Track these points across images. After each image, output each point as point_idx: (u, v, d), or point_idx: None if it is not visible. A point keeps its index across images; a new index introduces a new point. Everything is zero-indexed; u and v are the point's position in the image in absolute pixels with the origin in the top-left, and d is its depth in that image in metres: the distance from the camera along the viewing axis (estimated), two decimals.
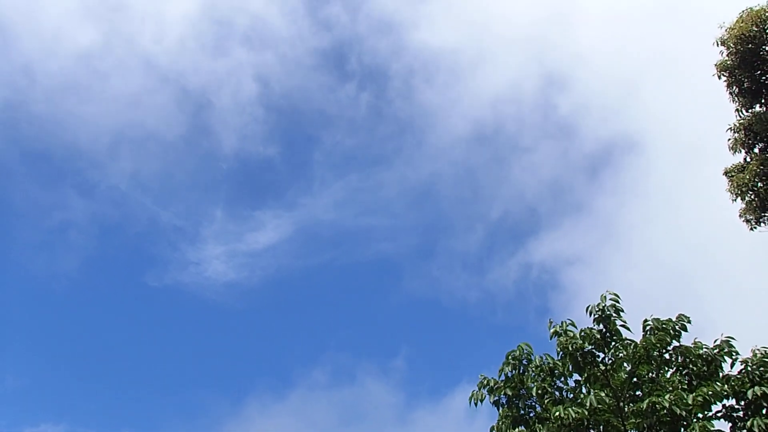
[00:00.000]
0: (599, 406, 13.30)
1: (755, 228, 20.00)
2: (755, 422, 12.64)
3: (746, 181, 19.85)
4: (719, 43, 20.89)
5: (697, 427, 12.60)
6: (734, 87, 20.71)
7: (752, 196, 19.75)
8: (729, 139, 20.72)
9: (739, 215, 20.14)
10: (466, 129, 55.58)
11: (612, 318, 13.83)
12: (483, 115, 54.48)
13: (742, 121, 20.50)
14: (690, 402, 12.60)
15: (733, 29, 20.51)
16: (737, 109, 20.67)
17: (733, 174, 20.30)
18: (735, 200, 20.08)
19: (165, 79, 57.65)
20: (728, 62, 20.63)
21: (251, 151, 56.98)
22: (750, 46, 20.20)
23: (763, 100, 20.58)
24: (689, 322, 14.04)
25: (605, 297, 13.92)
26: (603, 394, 13.55)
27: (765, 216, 19.79)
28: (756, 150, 20.26)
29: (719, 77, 20.99)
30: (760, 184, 19.62)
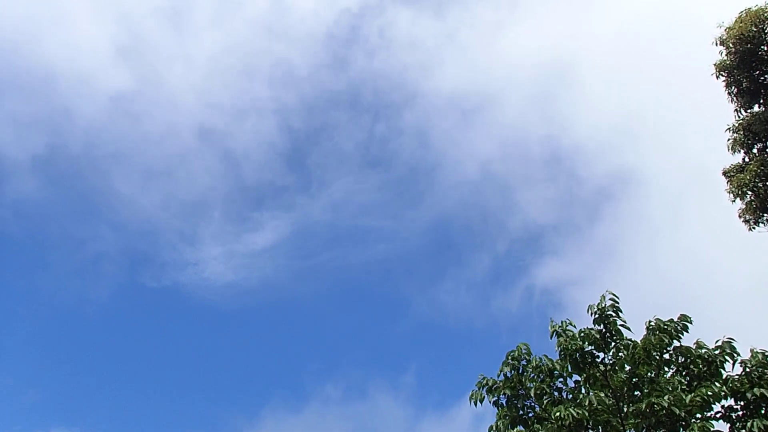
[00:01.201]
0: (599, 406, 13.27)
1: (754, 228, 19.99)
2: (755, 423, 12.63)
3: (746, 181, 19.82)
4: (718, 42, 20.87)
5: (696, 428, 12.59)
6: (733, 87, 20.70)
7: (751, 197, 19.73)
8: (728, 139, 20.70)
9: (739, 215, 20.12)
10: (475, 165, 60.25)
11: (612, 318, 13.77)
12: (491, 152, 59.40)
13: (741, 121, 20.48)
14: (688, 402, 12.58)
15: (732, 29, 20.50)
16: (736, 110, 20.66)
17: (732, 174, 20.28)
18: (734, 201, 20.07)
19: (191, 116, 62.05)
20: (727, 62, 20.61)
21: (266, 180, 59.87)
22: (749, 46, 20.19)
23: (761, 100, 20.56)
24: (690, 322, 13.98)
25: (604, 297, 13.86)
26: (603, 395, 13.51)
27: (764, 216, 19.77)
28: (755, 150, 20.24)
29: (718, 77, 20.97)
30: (759, 185, 19.59)
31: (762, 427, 12.50)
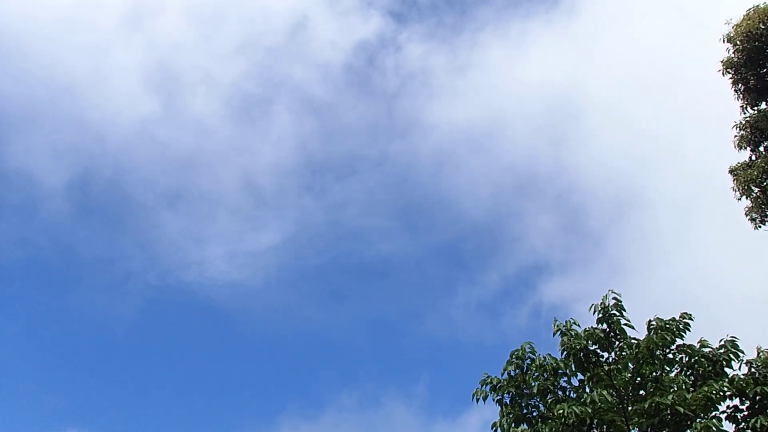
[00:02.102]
0: (602, 405, 13.27)
1: (760, 227, 19.93)
2: (759, 420, 12.64)
3: (752, 177, 19.76)
4: (726, 40, 20.81)
5: (699, 426, 12.58)
6: (740, 84, 20.66)
7: (758, 194, 19.67)
8: (734, 136, 20.65)
9: (745, 213, 20.07)
10: (487, 192, 64.13)
11: (615, 317, 13.74)
12: (501, 179, 62.98)
13: (747, 118, 20.42)
14: (693, 401, 12.57)
15: (739, 26, 20.44)
16: (743, 107, 20.61)
17: (738, 172, 20.22)
18: (740, 198, 20.01)
19: (214, 139, 65.32)
20: (734, 59, 20.56)
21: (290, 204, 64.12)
22: (756, 43, 20.13)
23: None
24: (692, 319, 13.96)
25: (607, 296, 13.82)
26: (606, 393, 13.52)
27: None
28: (761, 148, 20.18)
29: (725, 74, 20.91)
30: (766, 183, 19.54)
31: (766, 425, 12.49)
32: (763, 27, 20.05)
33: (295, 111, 64.63)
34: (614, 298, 13.80)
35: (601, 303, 13.82)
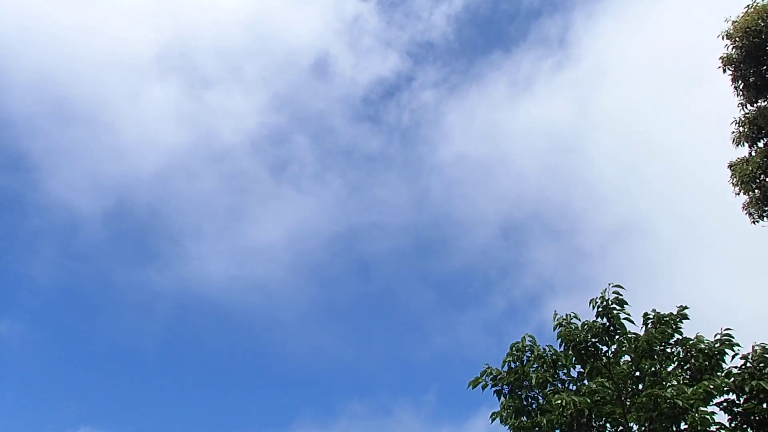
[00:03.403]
0: (600, 395, 13.37)
1: (757, 222, 20.10)
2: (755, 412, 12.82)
3: (750, 174, 19.90)
4: (725, 36, 20.89)
5: (696, 418, 12.76)
6: (739, 81, 20.71)
7: (756, 190, 19.82)
8: (733, 132, 20.77)
9: (743, 208, 20.22)
10: (494, 221, 68.47)
11: (615, 311, 13.75)
12: (507, 210, 67.92)
13: (746, 115, 20.53)
14: (690, 395, 12.71)
15: (738, 23, 20.51)
16: (742, 104, 20.71)
17: (737, 167, 20.36)
18: (738, 194, 20.16)
19: (238, 166, 69.43)
20: (734, 56, 20.63)
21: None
22: (756, 40, 20.19)
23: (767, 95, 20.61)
24: (687, 308, 14.13)
25: (607, 290, 13.75)
26: (605, 381, 13.62)
27: None
28: (760, 144, 20.31)
29: (724, 71, 20.99)
30: (765, 179, 19.68)
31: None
32: (762, 23, 20.12)
33: (317, 140, 71.10)
34: (615, 292, 13.75)
35: (601, 297, 13.79)
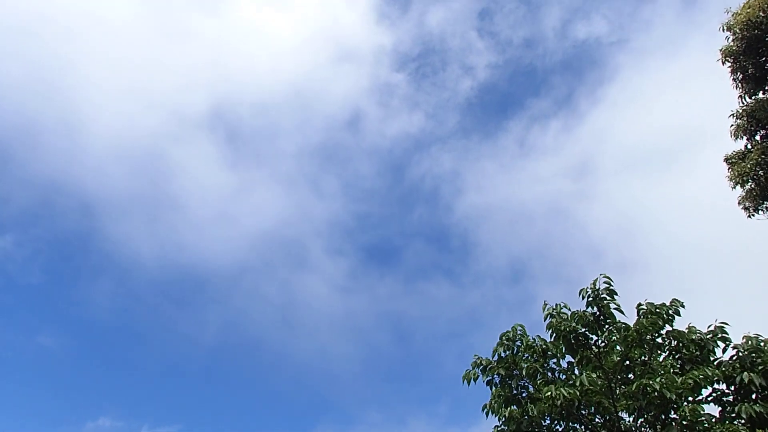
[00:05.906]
0: (591, 387, 13.35)
1: (753, 216, 19.96)
2: (743, 408, 12.75)
3: (747, 169, 19.76)
4: (725, 28, 20.72)
5: (686, 410, 12.70)
6: (738, 73, 20.54)
7: (752, 185, 19.68)
8: (731, 125, 20.61)
9: (738, 203, 20.09)
10: (505, 261, 73.40)
11: (605, 301, 13.71)
12: (518, 250, 73.31)
13: (745, 107, 20.37)
14: (680, 385, 12.66)
15: (739, 14, 20.34)
16: (740, 96, 20.55)
17: (733, 161, 20.21)
18: (734, 188, 20.02)
19: (279, 215, 75.46)
20: (733, 48, 20.47)
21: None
22: (756, 32, 20.03)
23: (767, 87, 20.44)
24: (682, 306, 13.99)
25: (598, 280, 13.74)
26: (595, 376, 13.59)
27: (764, 204, 19.73)
28: (758, 137, 20.15)
29: (724, 63, 20.83)
30: (760, 172, 19.53)
31: (751, 412, 12.62)
32: (762, 15, 19.95)
33: (346, 182, 78.01)
34: (605, 282, 13.72)
35: (591, 286, 13.75)
